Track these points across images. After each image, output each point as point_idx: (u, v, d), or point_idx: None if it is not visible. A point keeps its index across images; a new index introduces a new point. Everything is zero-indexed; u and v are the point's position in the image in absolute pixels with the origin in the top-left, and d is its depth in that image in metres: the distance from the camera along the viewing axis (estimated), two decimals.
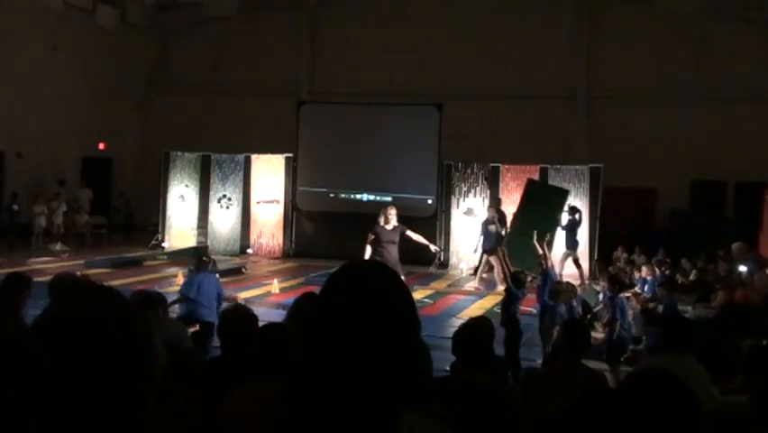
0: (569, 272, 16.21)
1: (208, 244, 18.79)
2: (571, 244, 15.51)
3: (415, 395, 1.42)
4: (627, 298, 11.30)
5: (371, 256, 10.57)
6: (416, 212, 17.95)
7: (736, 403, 3.32)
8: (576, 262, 15.48)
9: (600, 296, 9.44)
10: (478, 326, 4.25)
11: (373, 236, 10.86)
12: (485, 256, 15.01)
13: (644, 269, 13.00)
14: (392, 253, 10.81)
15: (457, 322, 10.97)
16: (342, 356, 1.37)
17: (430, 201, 18.35)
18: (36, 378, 1.17)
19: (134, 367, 1.20)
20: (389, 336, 1.38)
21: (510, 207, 17.57)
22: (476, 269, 15.71)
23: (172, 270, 15.50)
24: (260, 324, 4.17)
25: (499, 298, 13.84)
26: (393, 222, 11.01)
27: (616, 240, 16.66)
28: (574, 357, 4.56)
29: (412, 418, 1.39)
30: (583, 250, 17.05)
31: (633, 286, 12.83)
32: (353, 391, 1.35)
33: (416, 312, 1.48)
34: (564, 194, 16.04)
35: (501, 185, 17.64)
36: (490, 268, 15.15)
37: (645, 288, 12.30)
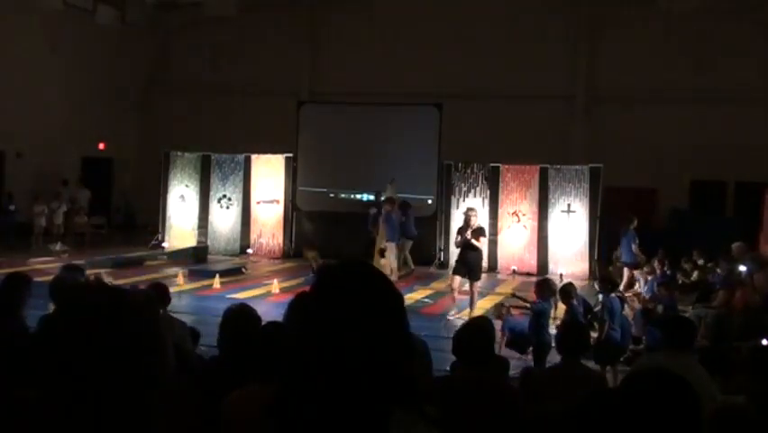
0: (570, 272, 16.23)
1: (208, 243, 18.78)
2: (390, 236, 15.37)
3: (406, 395, 1.41)
4: (629, 297, 11.31)
5: None
6: (417, 212, 17.95)
7: (736, 404, 3.32)
8: (381, 254, 15.23)
9: (600, 296, 9.44)
10: (479, 325, 4.25)
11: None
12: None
13: (645, 269, 13.02)
14: (467, 255, 11.42)
15: (457, 322, 10.98)
16: (329, 357, 1.37)
17: (430, 201, 18.35)
18: (50, 377, 1.18)
19: (145, 366, 1.21)
20: (376, 336, 1.38)
21: (509, 207, 17.63)
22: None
23: (172, 270, 15.51)
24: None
25: (499, 298, 13.88)
26: (472, 224, 11.54)
27: (616, 240, 16.64)
28: (573, 357, 4.56)
29: (402, 418, 1.39)
30: (583, 250, 17.08)
31: (632, 286, 12.85)
32: (342, 391, 1.36)
33: (404, 313, 1.47)
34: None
35: (501, 185, 17.63)
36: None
37: (645, 288, 12.31)
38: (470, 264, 11.41)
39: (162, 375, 1.25)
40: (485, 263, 17.48)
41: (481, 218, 17.61)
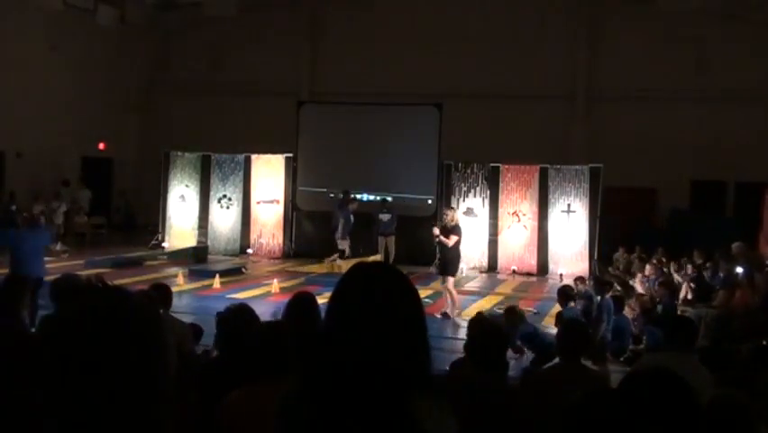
0: (570, 272, 16.21)
1: (208, 243, 18.78)
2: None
3: (425, 383, 1.54)
4: (628, 300, 11.29)
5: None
6: (416, 212, 17.96)
7: (732, 395, 3.30)
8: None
9: (597, 298, 9.46)
10: (496, 331, 4.28)
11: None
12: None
13: (646, 268, 13.02)
14: (441, 253, 11.54)
15: (457, 322, 11.00)
16: (358, 351, 1.48)
17: (430, 201, 18.33)
18: (52, 378, 1.19)
19: (147, 367, 1.21)
20: (402, 330, 1.51)
21: (509, 207, 17.63)
22: None
23: (172, 270, 15.51)
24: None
25: (499, 298, 13.89)
26: (446, 223, 11.64)
27: (616, 240, 16.65)
28: (574, 358, 4.55)
29: (423, 403, 1.50)
30: (583, 250, 17.07)
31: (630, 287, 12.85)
32: (371, 380, 1.46)
33: (422, 308, 1.62)
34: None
35: (501, 185, 17.63)
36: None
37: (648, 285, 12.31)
38: (443, 261, 11.54)
39: (164, 377, 1.26)
40: (485, 263, 17.58)
41: (481, 218, 17.69)
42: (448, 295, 11.66)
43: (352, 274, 1.61)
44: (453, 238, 11.45)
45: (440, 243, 11.54)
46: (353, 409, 1.44)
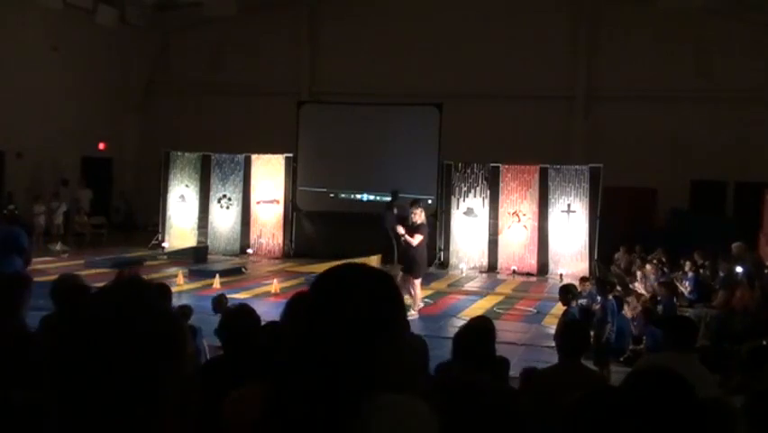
0: (570, 272, 16.23)
1: (208, 243, 18.79)
2: None
3: (386, 387, 1.47)
4: (628, 300, 11.29)
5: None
6: None
7: (720, 400, 3.31)
8: None
9: (598, 298, 9.45)
10: (480, 326, 4.22)
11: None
12: None
13: (647, 267, 13.02)
14: (405, 251, 11.44)
15: (457, 322, 11.00)
16: (311, 353, 1.44)
17: (430, 201, 18.33)
18: (57, 378, 1.17)
19: (164, 369, 1.20)
20: (351, 336, 1.44)
21: (509, 207, 17.64)
22: None
23: (172, 270, 15.51)
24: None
25: (499, 298, 13.88)
26: (413, 221, 11.47)
27: (616, 240, 16.65)
28: (574, 358, 4.54)
29: (378, 408, 1.44)
30: (583, 250, 17.08)
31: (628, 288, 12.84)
32: (317, 385, 1.42)
33: (388, 313, 1.51)
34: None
35: (501, 185, 17.64)
36: None
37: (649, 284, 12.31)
38: (407, 260, 11.41)
39: (172, 380, 1.23)
40: (485, 263, 17.59)
41: (481, 218, 17.71)
42: (410, 292, 11.33)
43: (320, 277, 1.56)
44: (418, 237, 11.29)
45: (405, 241, 11.42)
46: (303, 414, 1.41)
